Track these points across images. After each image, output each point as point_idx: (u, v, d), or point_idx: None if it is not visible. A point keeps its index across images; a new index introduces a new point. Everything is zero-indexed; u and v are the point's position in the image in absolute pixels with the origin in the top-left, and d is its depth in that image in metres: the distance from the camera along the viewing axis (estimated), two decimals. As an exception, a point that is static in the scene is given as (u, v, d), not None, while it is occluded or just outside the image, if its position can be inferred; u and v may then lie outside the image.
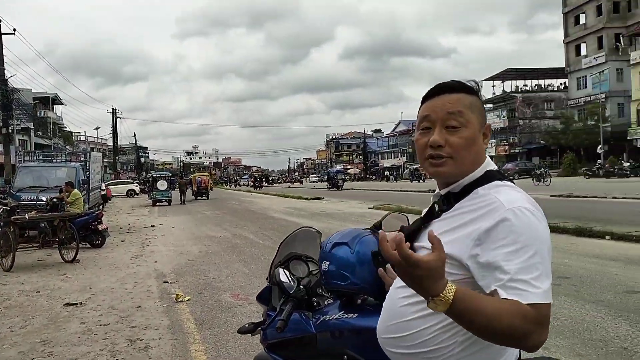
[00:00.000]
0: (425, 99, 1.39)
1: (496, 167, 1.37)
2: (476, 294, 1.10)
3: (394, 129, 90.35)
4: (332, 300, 1.89)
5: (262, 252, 9.53)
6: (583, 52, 50.28)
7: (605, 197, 18.11)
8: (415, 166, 54.52)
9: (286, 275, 1.80)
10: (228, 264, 8.43)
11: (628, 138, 41.97)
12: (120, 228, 15.32)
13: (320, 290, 1.97)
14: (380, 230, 1.99)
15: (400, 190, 32.73)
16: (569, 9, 51.56)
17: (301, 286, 1.84)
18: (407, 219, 1.90)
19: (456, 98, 1.31)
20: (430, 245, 1.06)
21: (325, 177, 55.19)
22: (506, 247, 1.14)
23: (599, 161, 40.07)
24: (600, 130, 40.80)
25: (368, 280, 1.69)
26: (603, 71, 44.88)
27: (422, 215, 1.42)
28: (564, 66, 53.06)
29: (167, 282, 7.28)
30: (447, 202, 1.34)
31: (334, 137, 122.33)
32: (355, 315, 1.71)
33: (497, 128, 54.67)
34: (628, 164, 37.52)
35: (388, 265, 1.66)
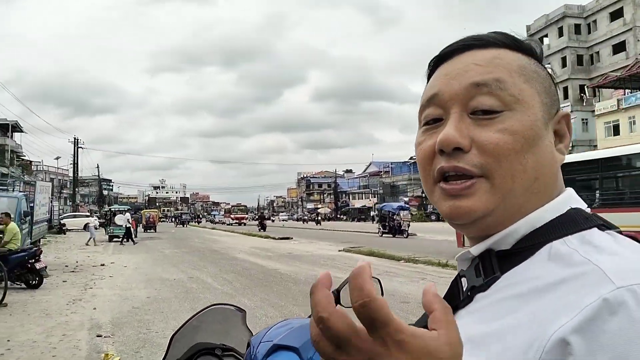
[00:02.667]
0: (435, 64, 0.67)
1: (584, 204, 0.62)
2: None
3: (365, 170, 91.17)
4: None
5: (218, 300, 8.50)
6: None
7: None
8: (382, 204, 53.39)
9: None
10: (177, 314, 7.39)
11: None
12: (66, 266, 14.00)
13: None
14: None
15: (374, 233, 32.11)
16: (535, 59, 53.71)
17: None
18: (380, 284, 1.15)
19: (491, 55, 0.62)
20: (438, 333, 0.40)
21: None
22: None
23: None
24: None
25: None
26: (569, 120, 46.22)
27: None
28: (531, 114, 54.71)
29: (100, 335, 6.22)
30: (486, 271, 0.60)
31: (305, 175, 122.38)
32: None
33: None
34: (595, 212, 38.29)
35: None
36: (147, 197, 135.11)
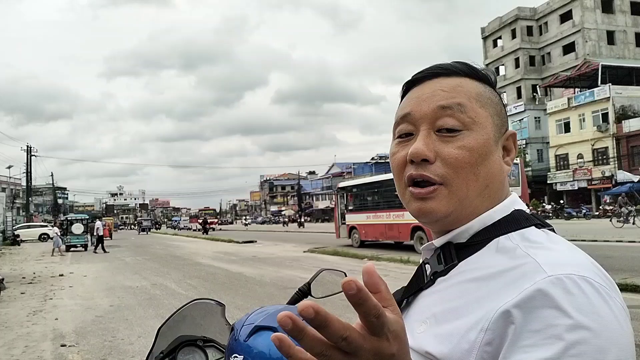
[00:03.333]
0: (408, 87, 0.80)
1: (526, 207, 0.76)
2: None
3: (327, 171, 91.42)
4: None
5: (183, 305, 8.49)
6: (504, 100, 53.38)
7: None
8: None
9: None
10: (142, 321, 7.34)
11: (548, 182, 44.53)
12: (23, 278, 13.56)
13: None
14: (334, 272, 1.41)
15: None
16: (489, 61, 55.08)
17: None
18: (345, 276, 1.32)
19: (455, 83, 0.76)
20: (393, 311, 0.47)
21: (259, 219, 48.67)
22: (539, 347, 0.56)
23: (522, 204, 42.15)
24: (522, 175, 43.01)
25: None
26: (522, 119, 47.77)
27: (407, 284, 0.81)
28: (486, 114, 56.25)
29: (65, 345, 6.13)
30: (446, 259, 0.74)
31: (268, 178, 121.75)
32: None
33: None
34: (549, 206, 39.68)
35: None
36: (104, 205, 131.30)
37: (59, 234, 24.21)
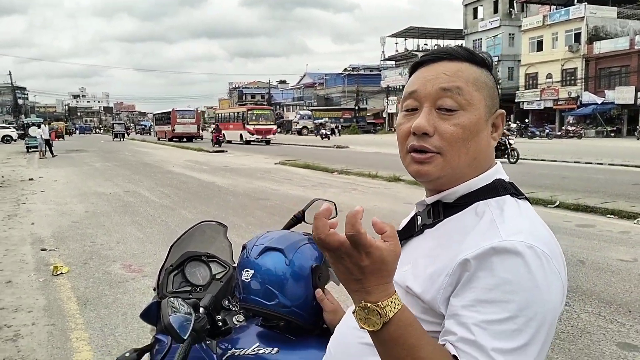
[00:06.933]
0: (415, 67, 0.96)
1: (508, 177, 0.96)
2: (422, 329, 0.77)
3: (299, 81, 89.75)
4: (242, 319, 1.43)
5: (158, 213, 8.74)
6: (480, 15, 52.52)
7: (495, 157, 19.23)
8: (320, 120, 54.14)
9: (177, 310, 1.22)
10: (119, 227, 7.58)
11: (516, 101, 45.18)
12: (-9, 181, 13.48)
13: (226, 303, 1.49)
14: (325, 202, 1.56)
15: (308, 145, 32.63)
16: (469, -29, 53.20)
17: (201, 313, 1.32)
18: (335, 207, 1.52)
19: (456, 68, 0.92)
20: (389, 244, 0.72)
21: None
22: (479, 290, 0.78)
23: (489, 121, 42.98)
24: (491, 92, 43.44)
25: (301, 302, 1.28)
26: (497, 35, 47.32)
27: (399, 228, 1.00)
28: (462, 28, 55.23)
29: (45, 249, 6.34)
30: (435, 214, 0.94)
31: (237, 85, 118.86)
32: (276, 350, 1.28)
33: (399, 86, 56.30)
34: (515, 125, 40.61)
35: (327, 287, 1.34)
36: (67, 107, 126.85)
37: (15, 138, 25.20)
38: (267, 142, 34.75)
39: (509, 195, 0.91)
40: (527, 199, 0.94)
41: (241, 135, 35.72)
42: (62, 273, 5.27)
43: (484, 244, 0.80)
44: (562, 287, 0.82)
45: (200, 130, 43.43)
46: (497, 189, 0.91)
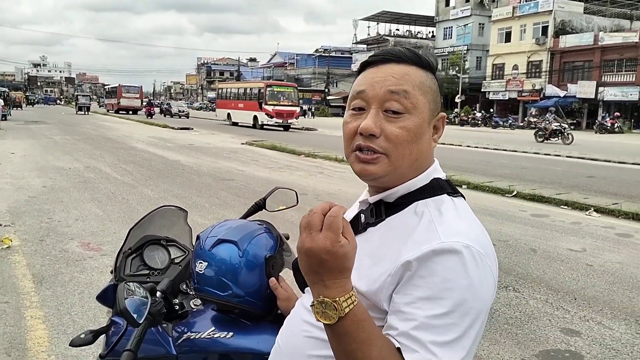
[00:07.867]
0: (363, 67, 0.99)
1: (445, 175, 1.01)
2: (374, 325, 0.83)
3: (269, 60, 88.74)
4: (199, 302, 1.45)
5: (119, 191, 8.57)
6: (452, 3, 52.87)
7: (460, 146, 19.62)
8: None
9: (133, 293, 1.22)
10: (78, 204, 7.41)
11: (482, 90, 45.99)
12: (-57, 151, 12.90)
13: (184, 287, 1.52)
14: (289, 191, 1.64)
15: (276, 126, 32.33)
16: (443, -42, 53.34)
17: (157, 297, 1.34)
18: (297, 195, 1.61)
19: (403, 71, 0.93)
20: (349, 241, 0.83)
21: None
22: (420, 288, 0.85)
23: (455, 110, 43.62)
24: (459, 81, 44.03)
25: (254, 291, 1.31)
26: (467, 24, 47.82)
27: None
28: (434, 15, 55.53)
29: (0, 224, 6.16)
30: (377, 213, 0.99)
31: (206, 61, 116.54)
32: (231, 334, 1.32)
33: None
34: (480, 114, 41.39)
35: (281, 274, 1.37)
36: (26, 76, 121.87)
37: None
38: (286, 128, 27.98)
39: (445, 195, 0.96)
40: (462, 196, 1.00)
41: (255, 117, 28.69)
42: (9, 246, 5.16)
43: (424, 246, 0.86)
44: (493, 282, 0.89)
45: (142, 104, 46.83)
46: (435, 188, 0.97)
